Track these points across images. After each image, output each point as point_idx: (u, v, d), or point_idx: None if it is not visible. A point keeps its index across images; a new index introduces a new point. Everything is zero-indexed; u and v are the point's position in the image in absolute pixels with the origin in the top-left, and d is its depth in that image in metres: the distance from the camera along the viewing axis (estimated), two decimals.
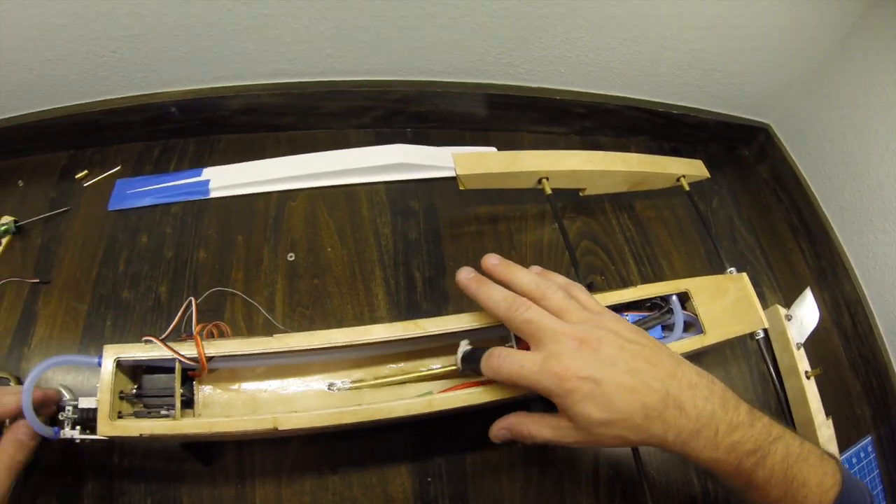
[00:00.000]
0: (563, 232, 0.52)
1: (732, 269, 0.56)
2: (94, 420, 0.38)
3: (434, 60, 0.64)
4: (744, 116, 0.73)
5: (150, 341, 0.38)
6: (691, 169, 0.61)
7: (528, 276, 0.38)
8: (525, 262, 0.58)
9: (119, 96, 0.69)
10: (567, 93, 0.68)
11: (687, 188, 0.60)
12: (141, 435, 0.36)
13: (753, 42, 0.66)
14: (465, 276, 0.39)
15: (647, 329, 0.48)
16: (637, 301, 0.48)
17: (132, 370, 0.40)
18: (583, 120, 0.70)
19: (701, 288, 0.50)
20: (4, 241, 0.65)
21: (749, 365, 0.64)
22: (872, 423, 0.65)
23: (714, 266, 0.66)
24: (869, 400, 0.66)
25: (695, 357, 0.59)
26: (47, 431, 0.39)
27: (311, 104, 0.66)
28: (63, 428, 0.39)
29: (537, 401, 0.45)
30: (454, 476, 0.50)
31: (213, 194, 0.64)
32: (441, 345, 0.45)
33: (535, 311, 0.35)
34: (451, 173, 0.64)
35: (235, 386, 0.43)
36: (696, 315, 0.49)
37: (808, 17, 0.64)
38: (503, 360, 0.35)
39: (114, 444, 0.48)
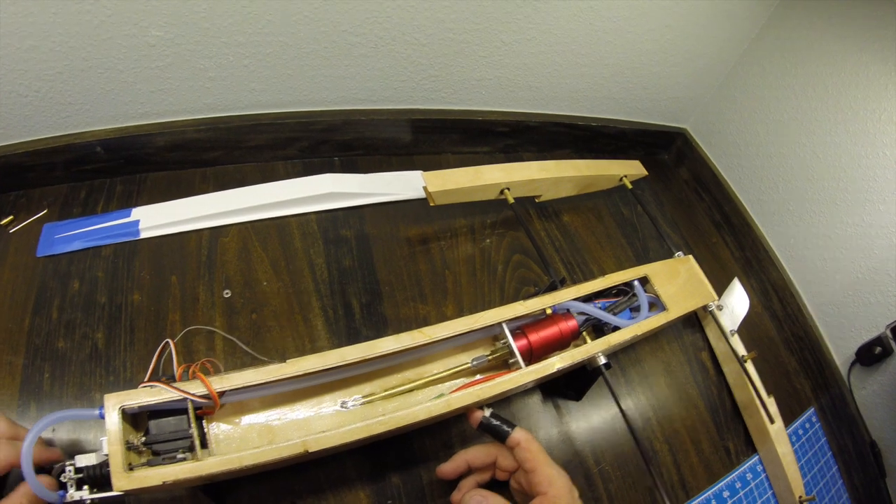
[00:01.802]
0: (530, 235, 0.56)
1: (680, 252, 0.61)
2: (100, 476, 0.37)
3: (358, 89, 0.66)
4: (661, 123, 0.77)
5: (154, 386, 0.38)
6: (631, 169, 0.66)
7: None
8: (458, 281, 0.62)
9: (42, 136, 0.68)
10: (489, 113, 0.70)
11: (630, 187, 0.64)
12: (164, 483, 0.35)
13: (665, 54, 0.69)
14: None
15: (616, 313, 0.53)
16: (603, 290, 0.54)
17: (132, 419, 0.40)
18: (505, 138, 0.72)
19: (657, 272, 0.56)
20: None
21: (686, 356, 0.68)
22: (813, 395, 0.70)
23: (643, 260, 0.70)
24: (806, 374, 0.71)
25: (651, 338, 0.63)
26: (52, 497, 0.37)
27: (237, 138, 0.66)
28: (67, 490, 0.38)
29: None
30: (413, 496, 0.51)
31: (143, 234, 0.64)
32: (437, 352, 0.49)
33: None
34: (379, 199, 0.66)
35: (246, 419, 0.44)
36: (657, 295, 0.55)
37: (715, 27, 0.68)
38: None
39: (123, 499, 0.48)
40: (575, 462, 0.56)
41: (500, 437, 0.45)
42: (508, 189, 0.59)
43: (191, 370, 0.41)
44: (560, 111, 0.72)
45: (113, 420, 0.37)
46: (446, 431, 0.54)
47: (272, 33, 0.58)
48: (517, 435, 0.45)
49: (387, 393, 0.47)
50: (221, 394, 0.39)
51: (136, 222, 0.64)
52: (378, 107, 0.67)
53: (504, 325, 0.48)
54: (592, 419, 0.60)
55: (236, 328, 0.58)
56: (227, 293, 0.60)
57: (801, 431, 0.69)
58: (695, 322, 0.72)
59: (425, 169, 0.69)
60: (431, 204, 0.58)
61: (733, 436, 0.64)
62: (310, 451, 0.38)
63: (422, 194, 0.67)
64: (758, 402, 0.61)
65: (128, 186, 0.69)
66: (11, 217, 0.69)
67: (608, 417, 0.60)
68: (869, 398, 0.68)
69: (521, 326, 0.50)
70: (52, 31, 0.54)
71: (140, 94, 0.64)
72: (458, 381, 0.50)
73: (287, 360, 0.41)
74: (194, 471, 0.37)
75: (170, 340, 0.48)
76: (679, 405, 0.64)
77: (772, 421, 0.62)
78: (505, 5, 0.59)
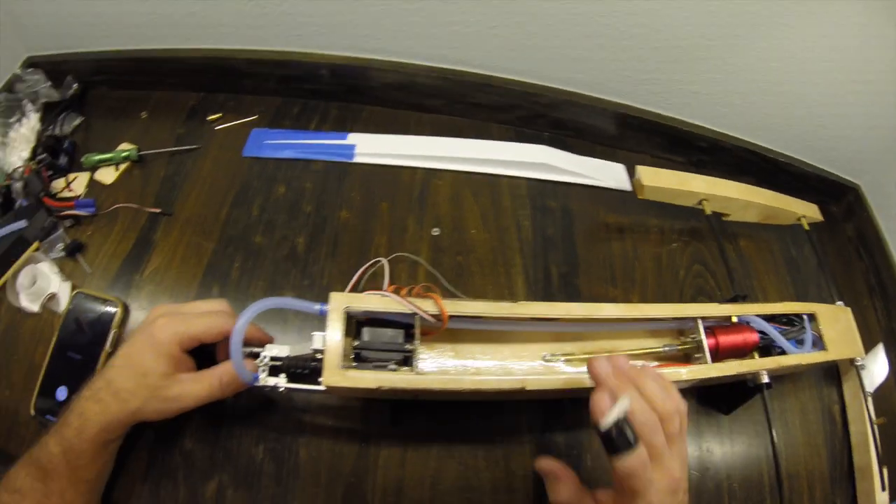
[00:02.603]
0: (721, 248, 0.59)
1: (840, 301, 0.62)
2: (296, 367, 0.39)
3: (585, 73, 0.68)
4: (837, 174, 0.79)
5: (386, 295, 0.39)
6: (809, 211, 0.68)
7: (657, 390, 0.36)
8: (645, 275, 0.63)
9: (269, 48, 0.71)
10: (694, 126, 0.72)
11: (807, 227, 0.66)
12: (379, 388, 0.36)
13: (861, 106, 0.72)
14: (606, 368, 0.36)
15: (788, 338, 0.54)
16: (775, 315, 0.56)
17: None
18: (700, 153, 0.75)
19: (823, 313, 0.58)
20: (123, 167, 0.67)
21: (822, 404, 0.69)
22: None
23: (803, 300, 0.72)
24: None
25: (796, 377, 0.64)
26: (247, 376, 0.39)
27: (463, 92, 0.69)
28: (259, 374, 0.39)
29: None
30: (573, 456, 0.51)
31: (357, 159, 0.67)
32: (632, 331, 0.51)
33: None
34: (585, 181, 0.68)
35: (450, 347, 0.45)
36: (819, 335, 0.56)
37: None
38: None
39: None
40: (710, 472, 0.56)
41: (615, 450, 0.33)
42: (707, 200, 0.62)
43: (414, 291, 0.41)
44: (753, 139, 0.74)
45: (337, 318, 0.38)
46: None
47: (525, 3, 0.61)
48: (634, 462, 0.32)
49: (587, 355, 0.48)
50: (450, 318, 0.40)
51: (353, 146, 0.67)
52: (597, 95, 0.70)
53: (699, 321, 0.50)
54: (734, 436, 0.61)
55: (440, 265, 0.59)
56: (435, 231, 0.62)
57: None
58: (833, 375, 0.73)
59: (625, 163, 0.73)
60: (639, 196, 0.60)
61: (843, 494, 0.65)
62: (526, 388, 0.39)
63: (623, 186, 0.70)
64: (875, 466, 0.62)
65: (343, 112, 0.72)
66: (220, 115, 0.72)
67: (747, 437, 0.61)
68: None
69: (712, 327, 0.52)
70: None
71: (382, 29, 0.67)
72: (640, 362, 0.51)
73: (518, 302, 0.42)
74: (412, 383, 0.37)
75: (383, 259, 0.49)
76: (805, 449, 0.65)
77: (883, 488, 0.62)
78: (738, 29, 0.62)
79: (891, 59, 0.63)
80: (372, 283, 0.54)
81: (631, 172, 0.71)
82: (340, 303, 0.39)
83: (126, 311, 0.55)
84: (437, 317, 0.39)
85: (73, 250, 0.59)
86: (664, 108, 0.71)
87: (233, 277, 0.58)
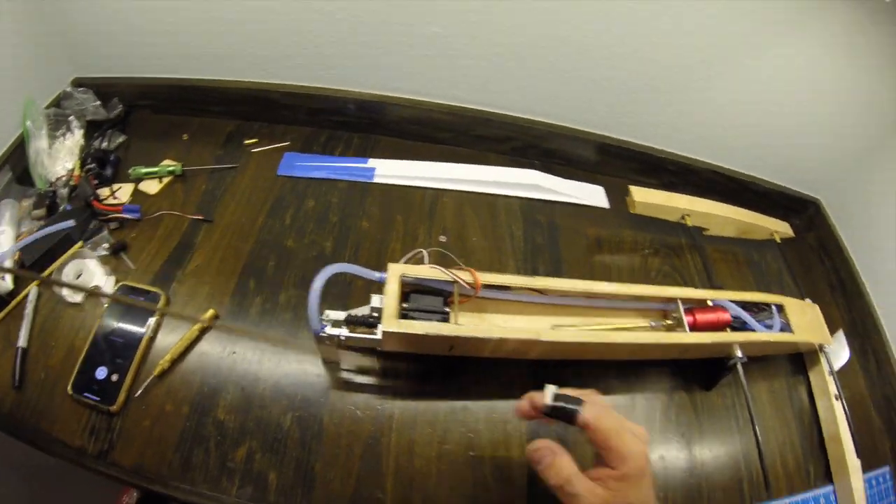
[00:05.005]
0: (703, 256, 0.71)
1: (808, 299, 0.73)
2: (357, 323, 0.48)
3: (570, 109, 0.81)
4: (798, 190, 0.90)
5: (434, 267, 0.51)
6: (781, 228, 0.80)
7: None
8: (620, 275, 0.75)
9: (305, 84, 0.83)
10: (665, 152, 0.84)
11: (779, 241, 0.78)
12: (427, 334, 0.47)
13: (815, 126, 0.81)
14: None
15: (758, 320, 0.65)
16: (748, 302, 0.66)
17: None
18: (672, 175, 0.86)
19: (790, 304, 0.69)
20: (166, 180, 0.75)
21: (788, 384, 0.76)
22: (891, 456, 0.76)
23: None
24: (889, 435, 0.78)
25: (763, 361, 0.73)
26: (316, 325, 0.47)
27: (468, 126, 0.82)
28: (327, 326, 0.48)
29: None
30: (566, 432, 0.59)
31: (376, 179, 0.79)
32: (622, 309, 0.62)
33: None
34: (569, 199, 0.80)
35: (480, 315, 0.57)
36: (787, 322, 0.67)
37: (858, 104, 0.78)
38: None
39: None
40: (691, 444, 0.64)
41: (568, 418, 0.40)
42: (689, 216, 0.73)
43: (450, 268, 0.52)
44: (718, 161, 0.85)
45: (394, 281, 0.49)
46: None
47: (516, 49, 0.72)
48: (586, 415, 0.39)
49: (588, 327, 0.59)
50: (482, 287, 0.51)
51: (373, 169, 0.79)
52: (581, 127, 0.82)
53: (679, 301, 0.61)
54: (715, 410, 0.69)
55: (447, 267, 0.70)
56: (442, 238, 0.73)
57: (873, 482, 0.75)
58: (798, 363, 0.81)
59: (605, 186, 0.84)
60: (631, 211, 0.70)
61: (815, 462, 0.70)
62: (540, 339, 0.49)
63: (602, 204, 0.82)
64: (847, 434, 0.71)
65: (364, 142, 0.85)
66: (255, 140, 0.83)
67: (723, 410, 0.69)
68: None
69: (691, 308, 0.62)
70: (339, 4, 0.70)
71: (402, 72, 0.79)
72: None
73: (534, 277, 0.54)
74: (452, 331, 0.48)
75: (423, 250, 0.60)
76: (774, 421, 0.71)
77: (858, 455, 0.70)
78: (701, 71, 0.73)
79: (841, 89, 0.74)
80: None
81: (609, 194, 0.83)
82: (396, 271, 0.50)
83: (168, 300, 0.62)
84: (472, 285, 0.51)
85: (118, 249, 0.65)
86: (638, 138, 0.83)
87: (268, 274, 0.67)
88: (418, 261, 0.56)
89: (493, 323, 0.57)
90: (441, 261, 0.54)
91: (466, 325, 0.53)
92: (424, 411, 0.58)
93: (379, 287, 0.51)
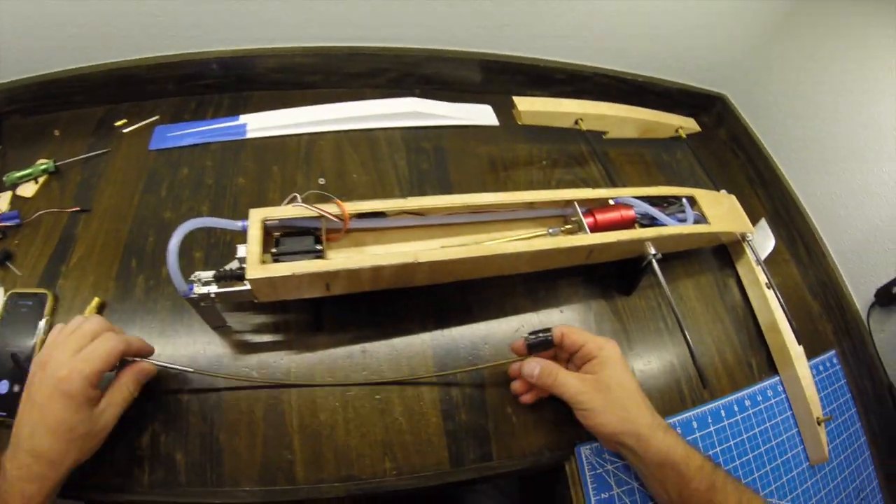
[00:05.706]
0: (601, 158, 0.67)
1: (724, 190, 0.69)
2: (227, 277, 0.44)
3: (443, 30, 0.76)
4: (702, 87, 0.87)
5: (298, 204, 0.46)
6: (685, 123, 0.76)
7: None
8: (519, 187, 0.70)
9: (164, 53, 0.78)
10: (550, 62, 0.80)
11: (684, 137, 0.74)
12: (293, 273, 0.43)
13: (708, 19, 0.79)
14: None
15: (668, 214, 0.62)
16: (656, 198, 0.63)
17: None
18: (562, 84, 0.82)
19: (703, 196, 0.65)
20: (42, 180, 0.71)
21: (715, 278, 0.74)
22: (835, 338, 0.75)
23: None
24: (829, 318, 0.76)
25: (685, 257, 0.70)
26: (183, 287, 0.44)
27: (337, 65, 0.77)
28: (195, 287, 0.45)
29: None
30: (468, 346, 0.57)
31: (249, 135, 0.74)
32: (517, 219, 0.59)
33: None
34: (454, 122, 0.76)
35: (357, 250, 0.52)
36: (702, 214, 0.64)
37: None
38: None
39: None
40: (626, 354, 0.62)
41: (547, 344, 0.51)
42: (582, 120, 0.69)
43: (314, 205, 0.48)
44: (611, 65, 0.82)
45: (255, 227, 0.45)
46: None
47: None
48: (557, 331, 0.50)
49: (481, 243, 0.55)
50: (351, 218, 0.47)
51: (244, 125, 0.75)
52: (457, 48, 0.78)
53: (576, 204, 0.57)
54: (639, 313, 0.66)
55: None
56: (321, 181, 0.69)
57: (820, 368, 0.73)
58: (725, 256, 0.78)
59: (493, 104, 0.80)
60: (519, 122, 0.66)
61: (756, 354, 0.69)
62: (419, 261, 0.45)
63: (492, 122, 0.77)
64: (786, 322, 0.67)
65: (234, 101, 0.80)
66: (125, 120, 0.79)
67: (647, 312, 0.67)
68: (887, 340, 0.73)
69: (590, 210, 0.58)
70: None
71: (257, 21, 0.75)
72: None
73: (406, 198, 0.49)
74: (320, 267, 0.44)
75: (296, 195, 0.55)
76: (706, 317, 0.69)
77: (799, 342, 0.67)
78: None
79: None
80: None
81: (500, 111, 0.79)
82: (258, 216, 0.46)
83: (56, 299, 0.59)
84: (340, 217, 0.47)
85: (3, 259, 0.62)
86: (521, 51, 0.79)
87: (148, 251, 0.64)
88: None
89: (371, 254, 0.53)
90: (320, 202, 0.50)
91: (336, 258, 0.49)
92: (321, 361, 0.55)
93: (245, 237, 0.47)
